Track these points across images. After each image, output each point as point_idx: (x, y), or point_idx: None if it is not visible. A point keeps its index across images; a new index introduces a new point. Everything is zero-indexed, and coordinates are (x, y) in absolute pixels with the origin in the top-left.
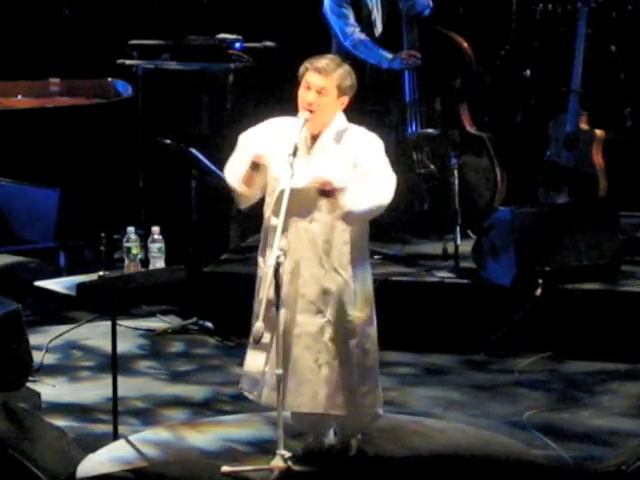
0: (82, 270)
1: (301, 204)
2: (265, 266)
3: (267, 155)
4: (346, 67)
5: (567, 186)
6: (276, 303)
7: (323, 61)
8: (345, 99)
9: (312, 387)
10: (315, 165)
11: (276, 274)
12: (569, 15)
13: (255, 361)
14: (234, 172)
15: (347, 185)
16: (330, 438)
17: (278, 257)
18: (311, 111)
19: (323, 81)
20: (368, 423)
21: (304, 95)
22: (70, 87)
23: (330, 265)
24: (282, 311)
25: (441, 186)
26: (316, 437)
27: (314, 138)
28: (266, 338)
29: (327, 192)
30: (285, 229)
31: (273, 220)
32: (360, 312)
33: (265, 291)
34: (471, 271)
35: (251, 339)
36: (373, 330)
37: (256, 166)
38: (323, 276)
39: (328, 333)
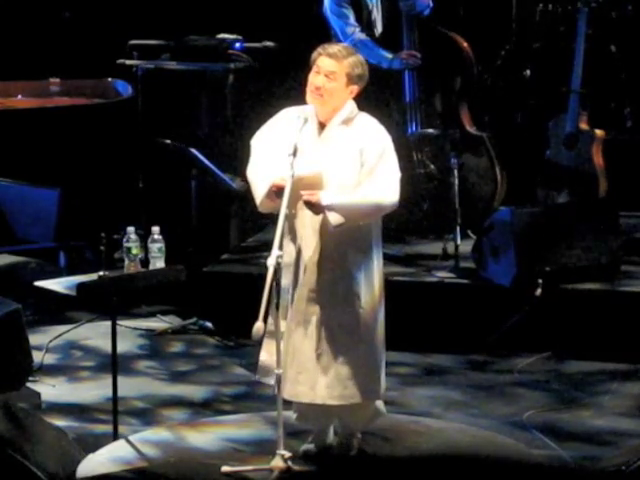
0: (82, 270)
1: (307, 190)
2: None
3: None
4: (359, 56)
5: (567, 186)
6: (276, 302)
7: (336, 47)
8: (354, 88)
9: (311, 376)
10: (323, 152)
11: (276, 274)
12: (569, 15)
13: (271, 351)
14: (255, 190)
15: (336, 201)
16: (330, 438)
17: (278, 257)
18: (320, 95)
19: (333, 66)
20: (369, 419)
21: (313, 79)
22: (70, 87)
23: (332, 254)
24: (285, 299)
25: (441, 186)
26: (318, 433)
27: (323, 124)
28: (282, 328)
29: (313, 210)
30: (292, 217)
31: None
32: (363, 303)
33: (266, 291)
34: (471, 271)
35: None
36: (378, 323)
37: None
38: (324, 265)
39: (328, 322)
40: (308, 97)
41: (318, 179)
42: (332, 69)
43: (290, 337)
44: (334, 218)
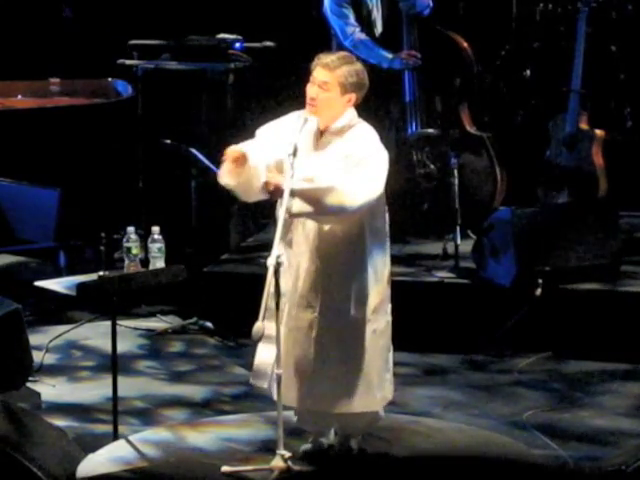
0: (82, 270)
1: None
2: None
3: (266, 154)
4: (355, 65)
5: (567, 186)
6: (276, 302)
7: (330, 57)
8: (352, 96)
9: (300, 382)
10: (312, 161)
11: (276, 274)
12: (569, 15)
13: (266, 355)
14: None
15: (297, 186)
16: (330, 438)
17: (278, 257)
18: (313, 106)
19: (326, 76)
20: (367, 424)
21: (308, 90)
22: (70, 87)
23: (322, 261)
24: (283, 305)
25: (441, 186)
26: (317, 436)
27: (322, 133)
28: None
29: (273, 194)
30: (288, 222)
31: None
32: (354, 311)
33: (265, 291)
34: (471, 271)
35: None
36: (373, 334)
37: (235, 160)
38: (314, 271)
39: (318, 329)
40: (306, 108)
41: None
42: (325, 79)
43: (284, 341)
44: (290, 205)
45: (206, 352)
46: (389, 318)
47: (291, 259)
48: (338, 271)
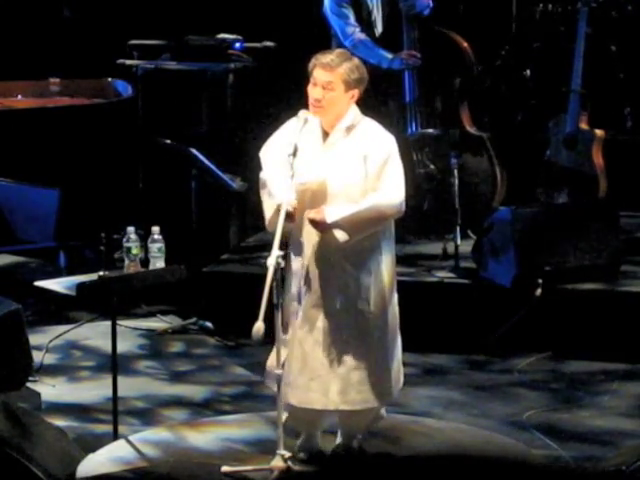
0: (82, 270)
1: (312, 198)
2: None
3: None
4: (354, 61)
5: (567, 186)
6: (276, 302)
7: (329, 56)
8: (355, 92)
9: (324, 383)
10: (326, 160)
11: (275, 274)
12: (569, 15)
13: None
14: (265, 211)
15: (341, 217)
16: (319, 442)
17: (278, 257)
18: (319, 107)
19: (328, 76)
20: (370, 423)
21: (311, 91)
22: (70, 87)
23: (339, 260)
24: (294, 306)
25: (441, 186)
26: (308, 436)
27: (328, 132)
28: (289, 335)
29: (319, 228)
30: (297, 224)
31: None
32: (373, 307)
33: (266, 291)
34: (471, 271)
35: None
36: (389, 326)
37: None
38: (331, 271)
39: (339, 328)
40: (310, 109)
41: (322, 186)
42: (328, 79)
43: (301, 344)
44: (341, 235)
45: (206, 352)
46: (397, 308)
47: (303, 261)
48: (356, 268)
